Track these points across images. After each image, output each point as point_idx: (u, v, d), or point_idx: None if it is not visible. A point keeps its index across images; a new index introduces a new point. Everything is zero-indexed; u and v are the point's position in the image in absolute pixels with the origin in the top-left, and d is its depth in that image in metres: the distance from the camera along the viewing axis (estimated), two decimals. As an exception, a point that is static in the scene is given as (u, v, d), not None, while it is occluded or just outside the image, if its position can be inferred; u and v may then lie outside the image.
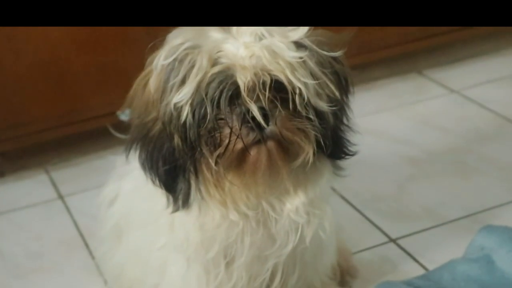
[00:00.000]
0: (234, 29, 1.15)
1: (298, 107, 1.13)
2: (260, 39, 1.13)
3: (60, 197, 2.02)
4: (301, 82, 1.13)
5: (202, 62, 1.11)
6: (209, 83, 1.11)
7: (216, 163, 1.14)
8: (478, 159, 2.02)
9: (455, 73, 2.46)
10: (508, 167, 1.97)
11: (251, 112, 1.11)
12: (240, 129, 1.12)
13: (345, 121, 1.25)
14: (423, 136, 2.15)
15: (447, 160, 2.02)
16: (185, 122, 1.12)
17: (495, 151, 2.05)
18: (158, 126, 1.17)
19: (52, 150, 2.15)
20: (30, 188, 2.07)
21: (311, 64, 1.15)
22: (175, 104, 1.12)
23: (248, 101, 1.11)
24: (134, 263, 1.38)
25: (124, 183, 1.42)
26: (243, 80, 1.10)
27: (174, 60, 1.14)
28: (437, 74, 2.47)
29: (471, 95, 2.33)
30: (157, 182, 1.19)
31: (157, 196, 1.25)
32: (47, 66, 2.02)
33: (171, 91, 1.13)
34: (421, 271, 1.62)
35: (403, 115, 2.27)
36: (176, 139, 1.14)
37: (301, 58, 1.14)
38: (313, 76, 1.15)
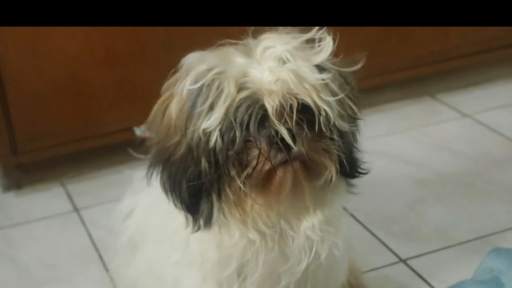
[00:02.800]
0: (258, 53, 1.16)
1: (323, 128, 1.16)
2: (284, 63, 1.15)
3: (76, 209, 2.03)
4: (326, 103, 1.15)
5: (229, 88, 1.13)
6: (237, 108, 1.12)
7: (243, 183, 1.15)
8: (489, 182, 2.02)
9: (467, 97, 2.47)
10: (519, 191, 1.98)
11: (280, 134, 1.12)
12: (269, 151, 1.14)
13: (358, 139, 1.28)
14: (434, 158, 2.16)
15: (458, 183, 2.03)
16: (214, 146, 1.14)
17: (505, 174, 2.05)
18: (182, 150, 1.17)
19: (68, 163, 2.16)
20: (46, 200, 2.09)
21: (333, 85, 1.18)
22: (203, 130, 1.13)
23: (277, 124, 1.12)
24: (148, 277, 1.39)
25: (141, 198, 1.43)
26: (271, 104, 1.12)
27: (201, 86, 1.15)
28: (450, 98, 2.48)
29: (482, 120, 2.34)
30: (179, 204, 1.20)
31: (172, 213, 1.26)
32: (66, 81, 2.04)
33: (198, 117, 1.14)
34: (431, 292, 1.63)
35: (415, 138, 2.27)
36: (203, 163, 1.15)
37: (324, 80, 1.16)
38: (335, 97, 1.17)
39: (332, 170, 1.18)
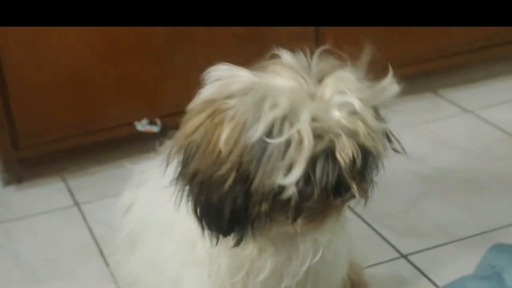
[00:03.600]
0: (327, 97, 1.12)
1: (372, 166, 1.19)
2: (355, 112, 1.12)
3: (76, 204, 2.04)
4: (383, 148, 1.17)
5: (309, 142, 1.08)
6: (315, 163, 1.10)
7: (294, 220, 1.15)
8: (491, 178, 2.02)
9: (469, 93, 2.47)
10: (520, 187, 1.98)
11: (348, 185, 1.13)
12: (334, 198, 1.14)
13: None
14: (436, 154, 2.16)
15: (460, 179, 2.03)
16: (289, 199, 1.11)
17: (507, 171, 2.05)
18: (230, 182, 1.11)
19: (69, 158, 2.17)
20: (47, 194, 2.09)
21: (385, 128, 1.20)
22: (279, 184, 1.10)
23: (349, 182, 1.13)
24: (148, 272, 1.38)
25: (141, 192, 1.43)
26: (345, 160, 1.11)
27: (275, 136, 1.09)
28: (452, 94, 2.48)
29: (485, 116, 2.34)
30: (210, 227, 1.17)
31: (173, 207, 1.25)
32: (67, 76, 2.04)
33: (274, 170, 1.09)
34: None
35: (417, 134, 2.27)
36: (264, 206, 1.12)
37: (386, 128, 1.19)
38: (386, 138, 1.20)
39: (367, 198, 1.22)
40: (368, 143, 1.13)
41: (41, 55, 2.00)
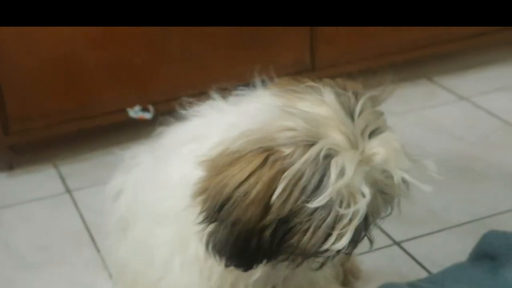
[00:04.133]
0: (382, 167, 1.13)
1: None
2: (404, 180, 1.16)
3: (68, 191, 2.04)
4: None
5: (361, 215, 1.09)
6: (358, 223, 1.10)
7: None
8: (485, 165, 2.03)
9: (464, 80, 2.47)
10: (515, 174, 1.98)
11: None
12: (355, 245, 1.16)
13: None
14: (431, 141, 2.16)
15: (454, 165, 2.03)
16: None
17: (502, 158, 2.06)
18: (271, 230, 1.10)
19: (61, 144, 2.16)
20: (38, 181, 2.09)
21: None
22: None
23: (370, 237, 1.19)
24: (138, 256, 1.37)
25: (132, 176, 1.42)
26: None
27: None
28: (447, 81, 2.48)
29: (480, 103, 2.34)
30: (233, 261, 1.15)
31: (166, 193, 1.25)
32: (59, 61, 2.04)
33: (321, 234, 1.09)
34: (425, 274, 1.62)
35: (412, 120, 2.27)
36: (298, 258, 1.15)
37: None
38: None
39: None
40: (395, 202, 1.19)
41: (33, 40, 1.99)
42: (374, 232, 1.75)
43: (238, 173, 1.09)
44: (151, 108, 2.12)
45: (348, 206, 1.07)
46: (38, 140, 2.12)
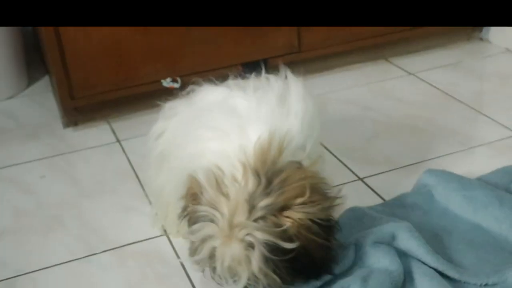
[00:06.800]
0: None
1: None
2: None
3: (118, 141, 2.04)
4: None
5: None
6: None
7: None
8: (426, 123, 2.03)
9: (412, 60, 2.46)
10: (447, 129, 1.98)
11: None
12: None
13: None
14: (386, 105, 2.16)
15: (403, 123, 2.04)
16: None
17: (438, 117, 2.06)
18: None
19: (113, 106, 2.16)
20: (96, 134, 2.09)
21: None
22: None
23: None
24: (171, 181, 1.36)
25: (171, 122, 1.40)
26: None
27: None
28: (399, 60, 2.47)
29: (423, 77, 2.34)
30: None
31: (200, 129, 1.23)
32: (109, 44, 2.02)
33: None
34: (381, 202, 1.64)
35: (372, 90, 2.27)
36: None
37: None
38: None
39: None
40: None
41: (88, 29, 1.98)
42: (343, 171, 1.78)
43: None
44: (179, 79, 2.12)
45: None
46: (96, 103, 2.11)
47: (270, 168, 1.10)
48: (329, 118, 2.05)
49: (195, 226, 1.10)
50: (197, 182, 1.12)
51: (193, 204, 1.12)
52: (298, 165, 1.15)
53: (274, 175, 1.10)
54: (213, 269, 1.09)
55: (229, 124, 1.18)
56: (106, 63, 2.04)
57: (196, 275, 1.37)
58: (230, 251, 1.06)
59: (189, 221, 1.15)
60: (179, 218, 1.19)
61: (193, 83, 1.42)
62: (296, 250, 1.07)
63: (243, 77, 1.40)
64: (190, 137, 1.26)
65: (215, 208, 1.07)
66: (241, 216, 1.06)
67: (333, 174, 1.72)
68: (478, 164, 1.75)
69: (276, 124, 1.15)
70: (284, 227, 1.06)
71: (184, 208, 1.17)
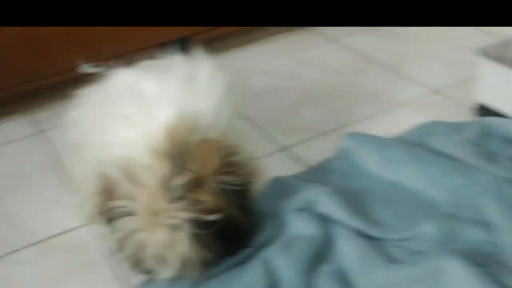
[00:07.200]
0: None
1: None
2: None
3: (43, 131, 1.99)
4: None
5: None
6: None
7: None
8: (349, 87, 2.05)
9: (334, 28, 2.47)
10: (369, 92, 2.01)
11: None
12: None
13: None
14: (310, 73, 2.18)
15: (326, 89, 2.06)
16: None
17: (360, 81, 2.09)
18: None
19: (33, 97, 2.11)
20: (16, 126, 2.03)
21: None
22: None
23: None
24: (87, 173, 1.29)
25: (83, 109, 1.38)
26: None
27: None
28: (321, 28, 2.48)
29: (345, 43, 2.37)
30: None
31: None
32: (24, 35, 1.96)
33: None
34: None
35: (294, 59, 2.28)
36: None
37: None
38: None
39: None
40: None
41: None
42: (270, 140, 1.80)
43: None
44: (100, 64, 2.06)
45: None
46: (13, 95, 2.05)
47: (181, 148, 1.09)
48: (253, 90, 2.05)
49: (116, 224, 1.08)
50: (108, 177, 1.10)
51: (108, 201, 1.10)
52: (209, 141, 1.15)
53: (185, 154, 1.09)
54: (142, 261, 1.08)
55: (136, 110, 1.16)
56: (21, 54, 1.97)
57: (120, 265, 1.35)
58: (158, 238, 1.05)
59: (108, 219, 1.12)
60: (95, 217, 1.17)
61: (109, 66, 1.39)
62: (222, 221, 1.07)
63: (157, 58, 1.38)
64: (99, 126, 1.24)
65: (132, 200, 1.06)
66: (160, 202, 1.05)
67: (261, 144, 1.75)
68: (399, 123, 1.79)
69: (184, 104, 1.15)
70: (204, 201, 1.06)
71: (100, 207, 1.14)
